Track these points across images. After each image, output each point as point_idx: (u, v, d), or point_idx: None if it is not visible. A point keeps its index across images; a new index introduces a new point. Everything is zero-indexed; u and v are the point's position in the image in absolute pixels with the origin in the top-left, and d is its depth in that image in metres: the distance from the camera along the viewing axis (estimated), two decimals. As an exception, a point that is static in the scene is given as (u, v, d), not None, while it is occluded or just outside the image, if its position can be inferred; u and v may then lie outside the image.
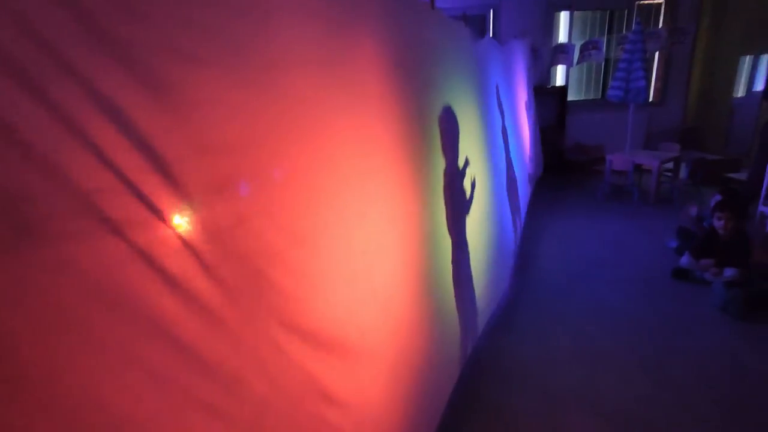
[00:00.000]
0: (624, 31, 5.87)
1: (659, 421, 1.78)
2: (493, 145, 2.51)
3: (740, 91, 5.49)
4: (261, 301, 0.77)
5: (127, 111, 0.54)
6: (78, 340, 0.47)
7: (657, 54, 5.96)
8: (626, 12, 5.98)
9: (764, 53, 5.09)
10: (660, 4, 5.83)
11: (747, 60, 5.36)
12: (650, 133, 6.11)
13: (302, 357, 0.86)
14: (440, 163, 1.56)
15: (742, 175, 4.76)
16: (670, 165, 4.99)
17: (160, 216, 0.61)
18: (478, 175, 2.05)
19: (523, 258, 3.41)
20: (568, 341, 2.36)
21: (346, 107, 0.97)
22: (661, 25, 5.84)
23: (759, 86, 5.20)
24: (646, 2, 5.81)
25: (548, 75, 6.04)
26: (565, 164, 5.93)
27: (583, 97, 6.41)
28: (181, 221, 0.64)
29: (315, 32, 0.89)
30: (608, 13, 6.07)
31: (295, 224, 0.84)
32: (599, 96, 6.37)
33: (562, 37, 6.05)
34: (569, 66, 5.73)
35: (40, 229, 0.44)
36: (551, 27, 5.91)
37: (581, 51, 5.53)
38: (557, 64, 5.78)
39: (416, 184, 1.34)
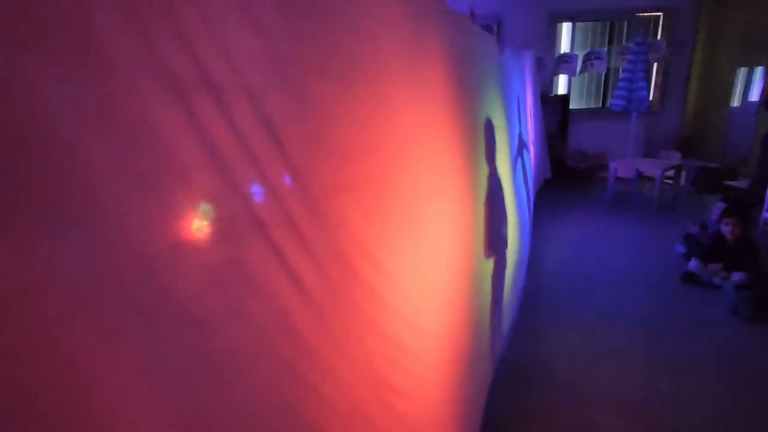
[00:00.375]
0: (624, 42, 6.04)
1: (685, 418, 1.85)
2: (514, 153, 2.58)
3: (736, 101, 5.67)
4: (349, 296, 0.82)
5: (278, 123, 0.59)
6: (241, 328, 0.52)
7: (655, 64, 6.14)
8: (626, 23, 6.16)
9: (759, 65, 5.27)
10: (658, 16, 6.01)
11: (742, 72, 5.55)
12: (649, 141, 6.26)
13: (376, 351, 0.91)
14: (484, 171, 1.62)
15: (741, 183, 4.91)
16: (670, 173, 5.12)
17: (289, 217, 0.66)
18: (507, 185, 2.12)
19: (531, 262, 3.48)
20: (586, 343, 2.42)
21: (424, 117, 1.03)
22: (659, 36, 6.01)
23: (753, 97, 5.37)
24: (645, 14, 5.99)
25: (551, 84, 6.18)
26: (567, 171, 6.05)
27: (584, 106, 6.56)
28: (305, 222, 0.69)
29: (400, 46, 0.94)
30: (609, 24, 6.24)
31: (384, 225, 0.89)
32: (600, 105, 6.52)
33: (565, 47, 6.20)
34: (572, 75, 5.86)
35: (222, 230, 0.49)
36: (554, 37, 6.05)
37: (584, 61, 5.68)
38: (560, 73, 5.91)
39: (471, 191, 1.39)
